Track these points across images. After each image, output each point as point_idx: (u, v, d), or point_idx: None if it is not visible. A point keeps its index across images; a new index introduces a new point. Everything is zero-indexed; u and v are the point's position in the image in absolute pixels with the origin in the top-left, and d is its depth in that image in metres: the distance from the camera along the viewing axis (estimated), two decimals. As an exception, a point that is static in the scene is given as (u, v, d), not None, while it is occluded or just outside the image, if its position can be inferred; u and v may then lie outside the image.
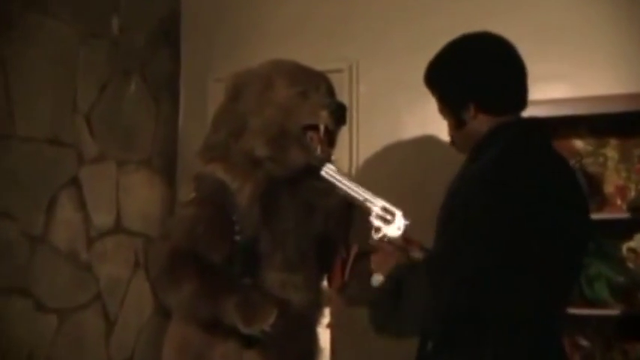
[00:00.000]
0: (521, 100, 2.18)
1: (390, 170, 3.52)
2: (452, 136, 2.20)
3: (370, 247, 2.23)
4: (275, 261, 2.33)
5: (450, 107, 2.17)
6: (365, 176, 3.57)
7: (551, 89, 3.32)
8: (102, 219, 3.58)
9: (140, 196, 3.78)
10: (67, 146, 3.41)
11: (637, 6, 3.31)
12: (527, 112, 3.32)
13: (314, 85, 2.40)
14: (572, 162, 3.46)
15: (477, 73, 2.12)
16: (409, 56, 3.55)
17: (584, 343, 3.33)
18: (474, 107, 2.11)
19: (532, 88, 3.32)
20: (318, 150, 2.34)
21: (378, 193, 3.44)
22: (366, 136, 3.60)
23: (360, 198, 2.24)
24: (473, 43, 2.17)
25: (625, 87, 3.22)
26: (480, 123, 2.11)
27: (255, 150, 2.34)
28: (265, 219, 2.31)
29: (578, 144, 3.49)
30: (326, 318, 2.64)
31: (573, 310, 3.15)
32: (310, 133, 2.35)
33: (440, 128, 2.32)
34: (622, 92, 3.21)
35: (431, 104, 2.25)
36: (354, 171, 3.59)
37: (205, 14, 4.02)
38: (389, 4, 3.65)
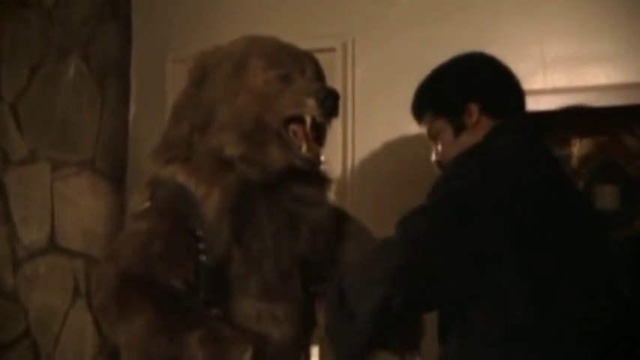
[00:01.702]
0: (523, 102, 2.51)
1: (393, 172, 3.53)
2: (445, 152, 2.45)
3: None
4: (250, 287, 2.33)
5: (448, 113, 2.43)
6: (362, 180, 3.59)
7: (594, 74, 3.36)
8: (32, 235, 3.58)
9: (81, 207, 3.78)
10: (-12, 144, 3.41)
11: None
12: (563, 101, 3.39)
13: (298, 67, 2.41)
14: (621, 163, 3.49)
15: (479, 72, 2.46)
16: (415, 31, 3.58)
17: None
18: (478, 109, 2.39)
19: (571, 72, 3.41)
20: (304, 148, 2.35)
21: (378, 199, 3.47)
22: (364, 130, 3.62)
23: None
24: (464, 56, 2.52)
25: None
26: (480, 130, 2.37)
27: (224, 148, 2.34)
28: (237, 235, 2.31)
29: (629, 141, 3.51)
30: (314, 358, 2.64)
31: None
32: (293, 127, 2.36)
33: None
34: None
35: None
36: (348, 174, 3.60)
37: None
38: (392, -32, 3.68)
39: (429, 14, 3.59)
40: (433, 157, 2.51)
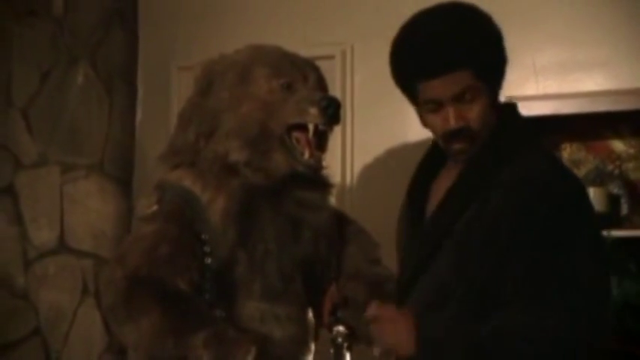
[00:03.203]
0: None
1: (391, 177, 3.51)
2: (482, 122, 2.09)
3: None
4: (253, 289, 2.32)
5: (494, 81, 2.12)
6: (361, 185, 3.57)
7: (583, 80, 3.35)
8: (43, 236, 3.57)
9: (89, 209, 3.76)
10: (1, 148, 3.39)
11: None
12: (554, 106, 3.38)
13: (301, 75, 2.40)
14: (610, 167, 3.48)
15: (503, 45, 2.16)
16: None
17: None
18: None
19: (561, 79, 3.39)
20: (306, 154, 2.34)
21: (376, 203, 3.45)
22: (363, 137, 3.60)
23: None
24: (478, 10, 2.16)
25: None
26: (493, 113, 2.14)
27: (230, 154, 2.33)
28: (242, 238, 2.30)
29: (618, 146, 3.51)
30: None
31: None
32: (296, 134, 2.35)
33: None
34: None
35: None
36: (347, 178, 3.58)
37: (169, -10, 4.01)
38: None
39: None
40: (457, 122, 2.06)
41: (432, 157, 2.30)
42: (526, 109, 3.30)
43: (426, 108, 2.12)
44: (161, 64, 3.96)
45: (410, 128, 3.51)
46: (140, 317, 2.19)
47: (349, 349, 2.43)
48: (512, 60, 3.30)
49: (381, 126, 3.56)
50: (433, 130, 2.15)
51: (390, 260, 2.57)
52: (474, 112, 2.06)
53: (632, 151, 3.48)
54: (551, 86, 3.42)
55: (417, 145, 3.47)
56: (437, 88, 2.06)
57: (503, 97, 3.31)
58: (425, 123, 2.17)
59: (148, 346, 2.22)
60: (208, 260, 2.29)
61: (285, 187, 2.36)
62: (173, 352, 2.18)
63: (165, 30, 3.99)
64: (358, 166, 3.59)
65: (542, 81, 3.44)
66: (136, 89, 4.03)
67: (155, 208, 2.37)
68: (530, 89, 3.43)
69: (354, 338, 2.41)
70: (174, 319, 2.18)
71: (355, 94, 3.63)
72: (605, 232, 3.04)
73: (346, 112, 3.54)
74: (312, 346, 2.47)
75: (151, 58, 4.03)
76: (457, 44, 2.03)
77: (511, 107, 2.25)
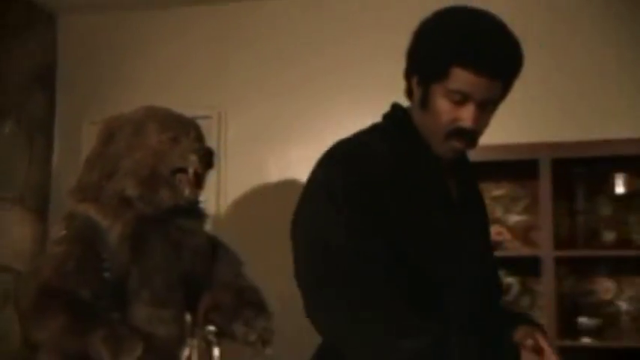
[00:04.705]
0: None
1: (256, 211, 3.54)
2: (484, 128, 1.67)
3: None
4: (143, 296, 2.29)
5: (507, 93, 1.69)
6: (232, 217, 3.57)
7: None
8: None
9: (12, 233, 3.64)
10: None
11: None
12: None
13: (184, 130, 2.41)
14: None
15: None
16: (274, 104, 3.61)
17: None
18: None
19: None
20: (187, 191, 2.35)
21: (245, 232, 3.45)
22: (233, 179, 3.61)
23: None
24: None
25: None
26: None
27: (126, 190, 2.32)
28: (134, 256, 2.28)
29: (494, 189, 3.44)
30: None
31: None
32: (179, 176, 2.36)
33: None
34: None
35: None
36: (222, 211, 3.58)
37: (82, 63, 3.92)
38: (258, 56, 3.68)
39: (284, 90, 3.61)
40: (474, 124, 1.59)
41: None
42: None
43: (448, 93, 1.60)
44: (75, 119, 3.88)
45: (268, 172, 3.56)
46: (49, 320, 2.15)
47: (218, 344, 2.43)
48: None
49: (248, 170, 3.59)
50: (438, 117, 1.62)
51: (254, 272, 2.58)
52: (484, 122, 1.63)
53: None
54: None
55: (274, 185, 3.53)
56: (478, 85, 1.58)
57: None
58: (432, 105, 1.63)
59: (56, 344, 2.18)
60: (107, 274, 2.26)
61: (170, 217, 2.36)
62: (77, 348, 2.14)
63: (79, 92, 3.91)
64: (229, 201, 3.61)
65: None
66: (52, 139, 3.93)
67: (64, 232, 2.32)
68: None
69: (221, 335, 2.41)
70: (77, 321, 2.15)
71: (228, 147, 3.65)
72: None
73: (220, 159, 3.54)
74: (188, 341, 2.45)
75: (67, 114, 3.94)
76: (519, 58, 1.63)
77: None
